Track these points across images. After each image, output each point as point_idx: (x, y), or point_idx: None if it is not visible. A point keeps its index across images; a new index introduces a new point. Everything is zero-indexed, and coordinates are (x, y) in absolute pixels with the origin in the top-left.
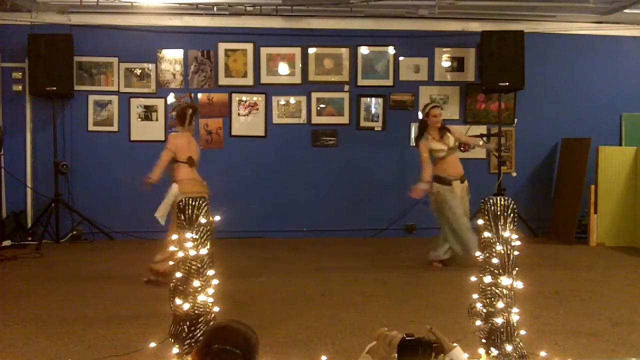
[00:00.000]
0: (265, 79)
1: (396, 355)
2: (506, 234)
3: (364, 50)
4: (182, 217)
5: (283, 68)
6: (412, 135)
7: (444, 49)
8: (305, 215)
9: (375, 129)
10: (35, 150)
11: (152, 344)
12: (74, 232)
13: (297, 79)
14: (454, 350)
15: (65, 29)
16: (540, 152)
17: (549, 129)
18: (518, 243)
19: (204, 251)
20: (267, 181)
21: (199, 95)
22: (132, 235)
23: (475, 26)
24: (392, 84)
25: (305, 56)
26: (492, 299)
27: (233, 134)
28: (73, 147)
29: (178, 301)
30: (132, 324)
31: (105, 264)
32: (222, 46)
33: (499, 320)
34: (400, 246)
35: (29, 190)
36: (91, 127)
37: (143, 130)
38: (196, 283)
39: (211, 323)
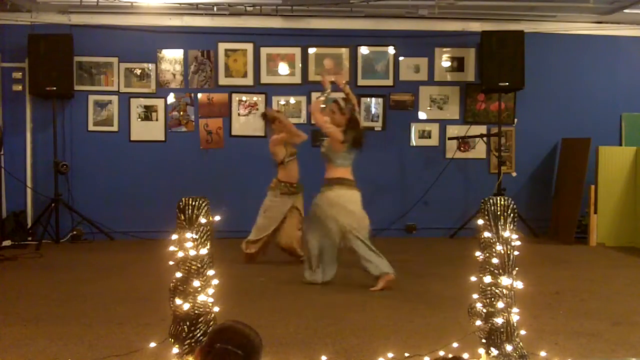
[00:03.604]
0: (265, 79)
1: None
2: (506, 234)
3: (364, 50)
4: (182, 217)
5: (283, 68)
6: (413, 136)
7: (444, 49)
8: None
9: (375, 129)
10: (35, 150)
11: (152, 344)
12: (74, 232)
13: (297, 79)
14: None
15: (65, 29)
16: (540, 152)
17: (549, 129)
18: (518, 243)
19: (204, 251)
20: (267, 181)
21: (199, 95)
22: (132, 235)
23: (475, 26)
24: (392, 84)
25: (305, 56)
26: (492, 299)
27: (233, 134)
28: (73, 147)
29: (178, 301)
30: (132, 324)
31: (105, 264)
32: (222, 46)
33: (499, 320)
34: (400, 246)
35: (29, 190)
36: (91, 127)
37: (143, 130)
38: (196, 283)
39: (211, 323)
